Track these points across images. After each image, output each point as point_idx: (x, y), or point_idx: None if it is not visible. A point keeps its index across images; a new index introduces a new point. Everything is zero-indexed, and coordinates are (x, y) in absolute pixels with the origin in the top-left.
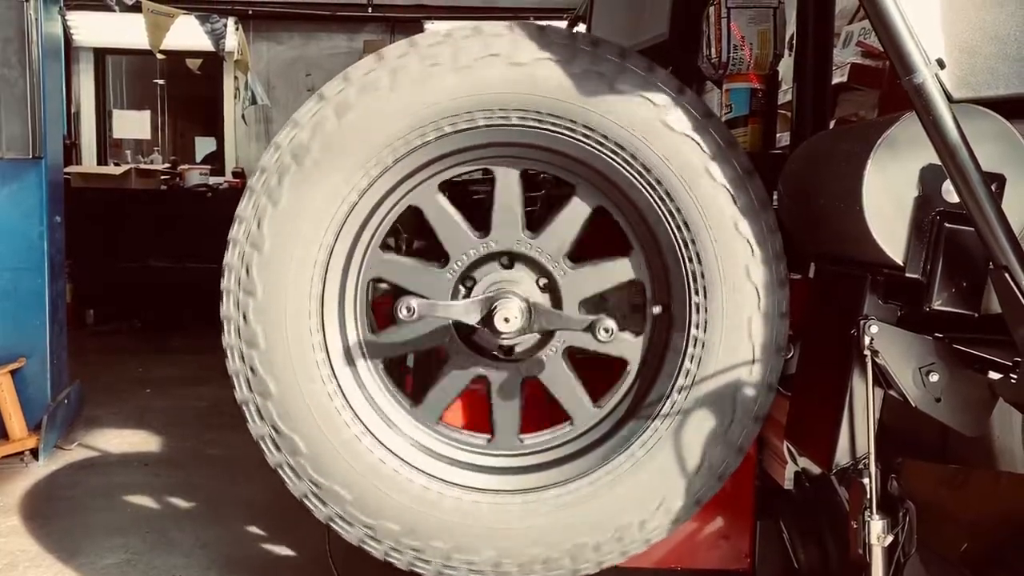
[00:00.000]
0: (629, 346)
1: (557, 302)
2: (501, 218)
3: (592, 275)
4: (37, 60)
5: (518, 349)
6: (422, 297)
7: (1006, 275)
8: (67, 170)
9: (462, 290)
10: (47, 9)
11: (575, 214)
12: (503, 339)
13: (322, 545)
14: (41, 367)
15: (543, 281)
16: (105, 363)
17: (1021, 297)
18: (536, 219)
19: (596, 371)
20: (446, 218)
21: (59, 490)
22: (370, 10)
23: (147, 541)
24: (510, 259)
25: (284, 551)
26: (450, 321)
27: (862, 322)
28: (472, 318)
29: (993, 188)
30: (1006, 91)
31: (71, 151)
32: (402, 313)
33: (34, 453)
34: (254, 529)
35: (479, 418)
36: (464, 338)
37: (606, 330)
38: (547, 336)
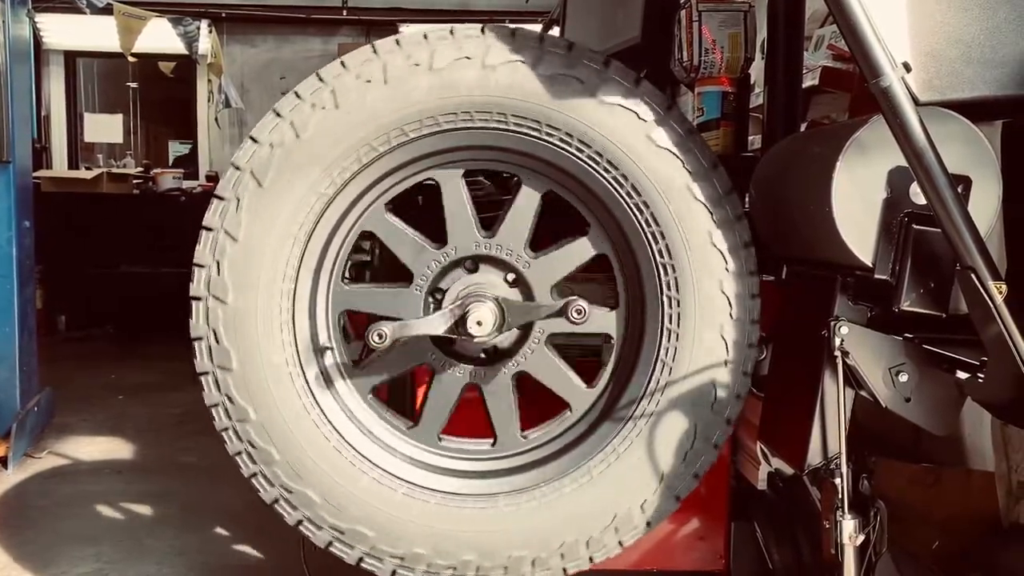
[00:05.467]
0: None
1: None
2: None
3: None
4: (4, 63)
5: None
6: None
7: (972, 276)
8: (37, 174)
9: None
10: (15, 11)
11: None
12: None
13: (297, 551)
14: (10, 374)
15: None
16: (77, 369)
17: (987, 297)
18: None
19: None
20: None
21: (29, 499)
22: (345, 13)
23: (121, 549)
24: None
25: (261, 557)
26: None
27: (832, 323)
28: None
29: (959, 190)
30: (971, 94)
31: (41, 155)
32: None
33: (3, 462)
34: (230, 536)
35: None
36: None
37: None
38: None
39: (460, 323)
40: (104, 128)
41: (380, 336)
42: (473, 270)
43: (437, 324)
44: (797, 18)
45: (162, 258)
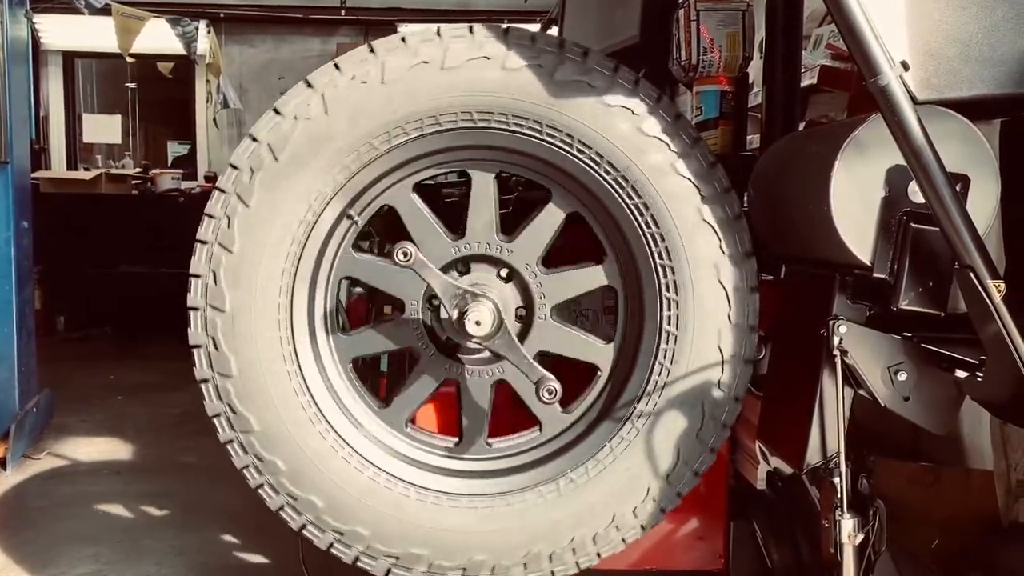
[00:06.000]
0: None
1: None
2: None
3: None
4: (3, 63)
5: (463, 350)
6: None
7: (971, 274)
8: (35, 175)
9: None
10: (13, 12)
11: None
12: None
13: (296, 553)
14: (9, 375)
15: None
16: (76, 370)
17: (985, 296)
18: None
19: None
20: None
21: (28, 500)
22: (343, 13)
23: (120, 550)
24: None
25: (260, 558)
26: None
27: (831, 322)
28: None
29: (958, 189)
30: (969, 93)
31: (40, 156)
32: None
33: (2, 463)
34: (230, 536)
35: None
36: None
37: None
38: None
39: (460, 316)
40: (103, 129)
41: (406, 254)
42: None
43: (447, 290)
44: (795, 17)
45: (161, 258)
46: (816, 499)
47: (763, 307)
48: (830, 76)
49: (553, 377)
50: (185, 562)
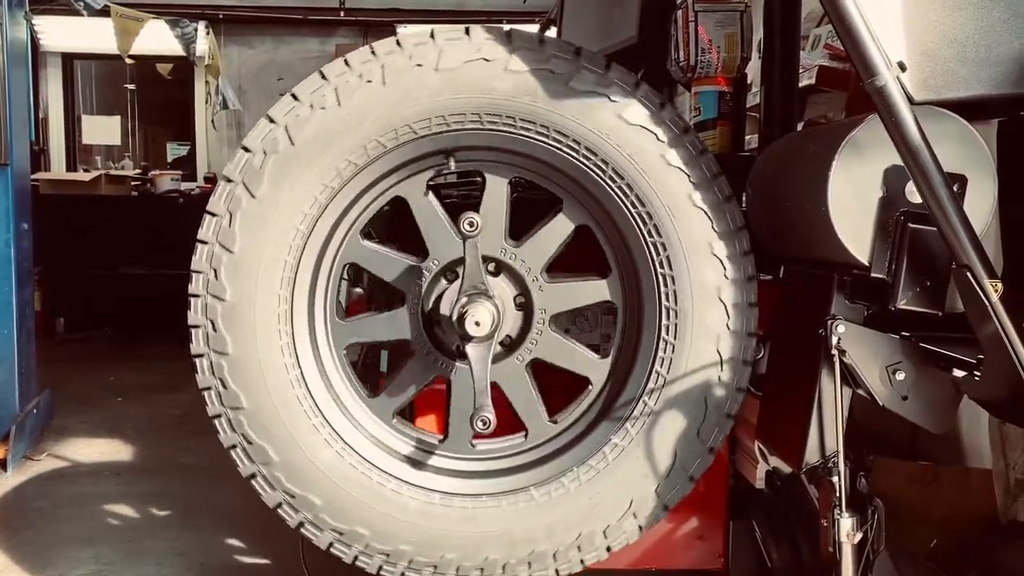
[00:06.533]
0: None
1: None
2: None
3: None
4: (2, 65)
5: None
6: None
7: (968, 274)
8: (35, 177)
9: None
10: (12, 13)
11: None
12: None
13: (297, 553)
14: (9, 376)
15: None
16: (76, 371)
17: (982, 295)
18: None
19: None
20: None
21: (28, 501)
22: (342, 14)
23: (120, 550)
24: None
25: (260, 559)
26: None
27: (829, 322)
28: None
29: (955, 189)
30: (965, 93)
31: (39, 157)
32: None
33: (2, 464)
34: (230, 537)
35: None
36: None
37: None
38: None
39: (461, 314)
40: (102, 130)
41: (472, 224)
42: (495, 273)
43: (474, 276)
44: (793, 18)
45: (160, 259)
46: (815, 498)
47: (761, 307)
48: (828, 76)
49: (492, 411)
50: (185, 562)
